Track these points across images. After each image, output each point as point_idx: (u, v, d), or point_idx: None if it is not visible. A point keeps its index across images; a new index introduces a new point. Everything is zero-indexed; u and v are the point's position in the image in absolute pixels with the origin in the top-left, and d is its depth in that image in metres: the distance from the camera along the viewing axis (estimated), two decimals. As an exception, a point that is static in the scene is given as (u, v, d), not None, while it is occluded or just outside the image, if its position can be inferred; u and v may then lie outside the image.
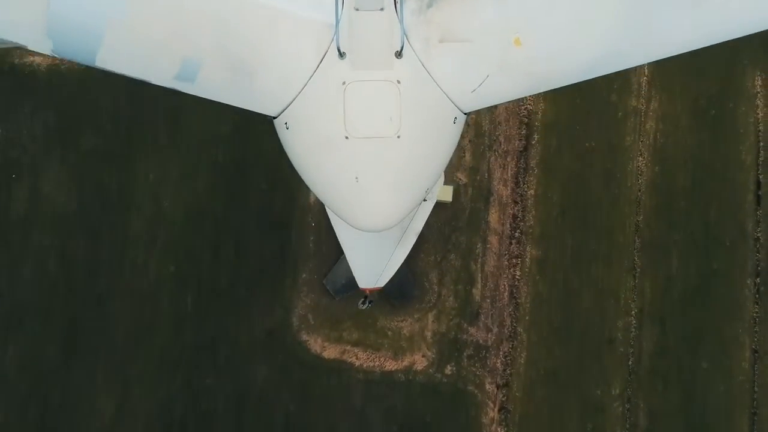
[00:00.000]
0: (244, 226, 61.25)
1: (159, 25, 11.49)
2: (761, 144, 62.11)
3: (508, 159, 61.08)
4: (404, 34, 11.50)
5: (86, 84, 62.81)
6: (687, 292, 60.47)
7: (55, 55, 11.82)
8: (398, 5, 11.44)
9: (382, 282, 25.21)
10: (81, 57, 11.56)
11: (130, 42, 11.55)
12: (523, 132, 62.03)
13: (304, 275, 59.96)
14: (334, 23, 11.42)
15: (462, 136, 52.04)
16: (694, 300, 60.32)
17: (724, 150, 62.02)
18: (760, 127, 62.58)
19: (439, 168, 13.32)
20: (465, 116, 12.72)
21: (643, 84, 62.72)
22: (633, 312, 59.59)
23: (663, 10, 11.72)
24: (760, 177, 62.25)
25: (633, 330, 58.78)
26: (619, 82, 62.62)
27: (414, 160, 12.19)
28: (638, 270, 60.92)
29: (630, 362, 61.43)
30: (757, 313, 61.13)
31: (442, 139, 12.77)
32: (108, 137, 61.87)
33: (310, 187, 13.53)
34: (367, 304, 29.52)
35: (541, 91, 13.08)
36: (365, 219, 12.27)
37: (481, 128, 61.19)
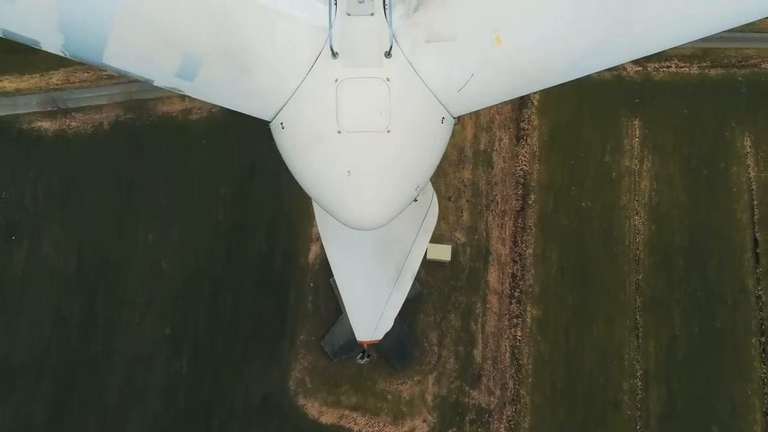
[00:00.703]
0: (242, 286, 60.54)
1: (162, 19, 11.45)
2: (755, 202, 62.43)
3: (506, 218, 61.24)
4: (393, 36, 11.82)
5: (91, 148, 63.69)
6: (692, 352, 59.06)
7: (66, 53, 11.78)
8: (387, 10, 11.75)
9: (379, 333, 24.61)
10: (89, 53, 11.57)
11: (135, 36, 11.52)
12: (520, 192, 62.52)
13: (301, 337, 58.71)
14: (328, 26, 11.72)
15: (459, 196, 52.32)
16: (700, 361, 58.84)
17: (720, 208, 62.28)
18: (753, 186, 63.12)
19: (428, 165, 13.03)
20: (454, 120, 12.94)
21: (635, 145, 63.82)
22: (638, 373, 57.95)
23: (640, 7, 11.70)
24: (757, 235, 62.16)
25: (639, 392, 56.90)
26: (611, 143, 63.79)
27: (404, 153, 12.14)
28: (641, 329, 59.80)
29: (638, 426, 59.23)
30: (765, 373, 59.44)
31: (431, 137, 12.73)
32: (109, 199, 62.07)
33: (304, 186, 13.15)
34: (365, 359, 28.74)
35: (526, 92, 13.39)
36: (358, 214, 12.00)
37: (478, 188, 61.75)
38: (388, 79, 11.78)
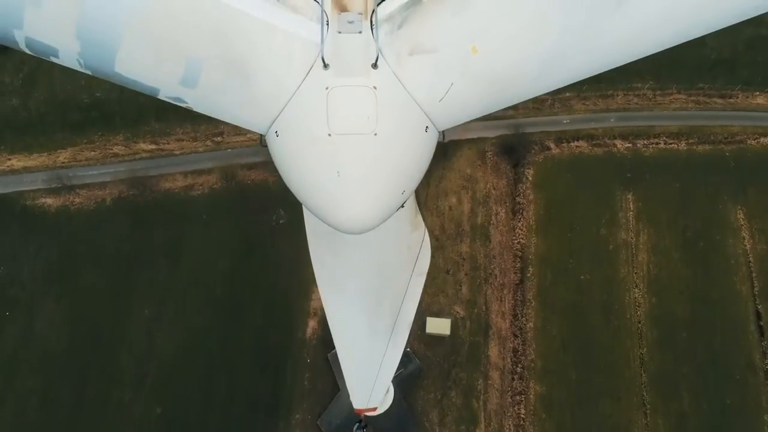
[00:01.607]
0: (237, 364, 58.36)
1: (169, 28, 12.21)
2: (754, 274, 61.82)
3: (505, 292, 60.41)
4: (379, 50, 12.70)
5: (92, 224, 63.32)
6: (703, 430, 56.68)
7: (81, 64, 12.64)
8: (374, 29, 12.73)
9: (376, 399, 23.51)
10: (102, 62, 12.49)
11: (145, 44, 12.32)
12: (518, 265, 62.07)
13: (297, 416, 55.95)
14: (320, 42, 12.58)
15: (458, 269, 52.05)
16: (713, 440, 56.24)
17: (719, 281, 61.47)
18: (750, 258, 62.75)
19: (413, 170, 13.63)
20: (438, 132, 13.65)
21: (630, 218, 64.00)
22: (649, 454, 55.18)
23: (604, 19, 12.46)
24: (759, 307, 61.17)
25: (651, 474, 53.93)
26: (606, 216, 64.02)
27: (390, 156, 12.78)
28: (648, 406, 57.18)
29: None
30: (780, 452, 56.67)
31: (415, 143, 13.41)
32: (107, 275, 61.01)
33: (297, 191, 13.54)
34: (362, 431, 27.49)
35: (502, 105, 13.99)
36: (347, 214, 12.47)
37: (476, 262, 61.40)
38: (374, 87, 12.61)
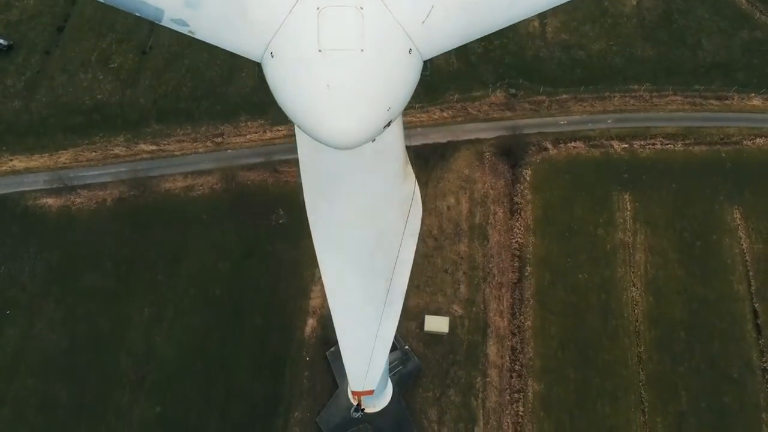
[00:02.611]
0: (237, 362, 58.09)
1: None
2: (751, 274, 61.82)
3: (503, 290, 60.37)
4: None
5: (93, 226, 63.72)
6: (701, 430, 56.27)
7: None
8: None
9: (372, 381, 23.62)
10: None
11: None
12: (516, 264, 62.04)
13: (296, 414, 55.75)
14: None
15: (456, 269, 52.11)
16: (711, 439, 55.94)
17: (716, 280, 61.38)
18: (747, 258, 62.67)
19: (398, 90, 14.58)
20: (422, 61, 14.87)
21: (628, 218, 64.03)
22: (648, 453, 54.92)
23: None
24: (756, 306, 61.12)
25: (650, 475, 53.64)
26: (604, 216, 64.04)
27: (375, 72, 13.85)
28: (647, 405, 56.98)
29: None
30: (779, 451, 56.37)
31: (399, 63, 14.53)
32: (107, 276, 60.69)
33: (290, 109, 14.26)
34: (359, 413, 27.47)
35: (484, 32, 14.99)
36: (335, 126, 13.45)
37: (475, 261, 61.39)
38: (361, 8, 13.60)
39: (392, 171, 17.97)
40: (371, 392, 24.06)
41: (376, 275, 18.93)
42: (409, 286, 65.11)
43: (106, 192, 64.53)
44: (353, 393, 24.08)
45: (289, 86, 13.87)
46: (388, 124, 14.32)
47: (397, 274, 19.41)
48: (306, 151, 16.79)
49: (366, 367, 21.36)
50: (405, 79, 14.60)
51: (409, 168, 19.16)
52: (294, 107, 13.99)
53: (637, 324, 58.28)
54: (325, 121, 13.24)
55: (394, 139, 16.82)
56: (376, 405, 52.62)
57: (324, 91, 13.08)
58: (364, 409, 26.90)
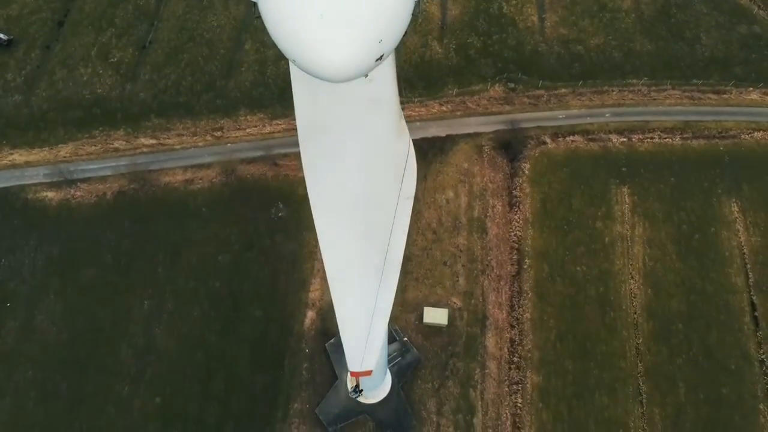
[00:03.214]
0: (236, 354, 58.14)
1: None
2: (748, 266, 61.92)
3: (502, 283, 60.42)
4: None
5: (93, 220, 63.77)
6: (700, 421, 56.02)
7: None
8: None
9: (370, 361, 23.68)
10: None
11: None
12: (515, 257, 62.08)
13: (296, 405, 55.70)
14: None
15: (455, 261, 52.42)
16: (709, 430, 55.92)
17: (714, 273, 61.31)
18: (745, 250, 62.70)
19: (390, 24, 14.82)
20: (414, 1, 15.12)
21: (626, 212, 64.08)
22: (645, 443, 55.00)
23: None
24: (754, 298, 61.30)
25: (648, 465, 53.68)
26: (602, 210, 64.04)
27: (367, 2, 14.12)
28: (644, 396, 57.16)
29: (651, 506, 55.15)
30: (777, 442, 56.41)
31: None
32: (107, 269, 60.61)
33: (284, 43, 14.53)
34: (357, 394, 27.49)
35: None
36: (329, 57, 13.74)
37: (473, 254, 61.39)
38: None
39: (386, 123, 18.08)
40: (369, 373, 24.15)
41: (372, 239, 18.98)
42: (407, 278, 64.97)
43: (106, 185, 64.59)
44: (351, 373, 24.12)
45: (283, 18, 14.19)
46: (380, 59, 14.57)
47: (394, 240, 19.41)
48: (302, 101, 16.86)
49: (364, 347, 21.41)
50: (396, 13, 14.86)
51: (404, 124, 19.23)
52: (288, 39, 14.30)
53: (635, 316, 58.36)
54: (318, 51, 13.63)
55: (388, 91, 17.03)
56: (375, 396, 52.77)
57: (317, 20, 13.45)
58: (362, 390, 26.88)
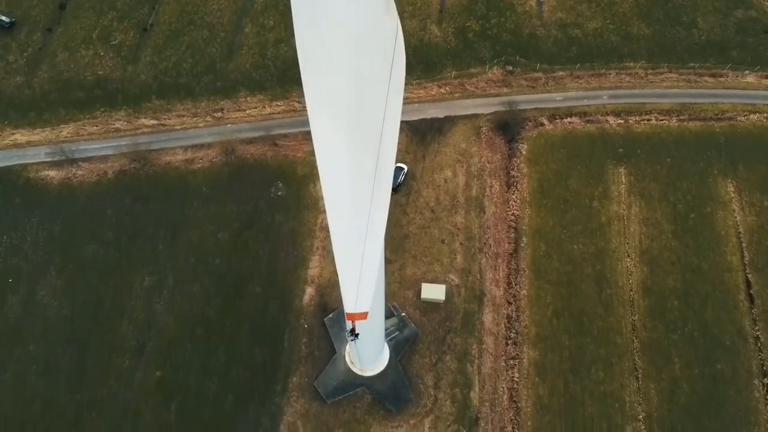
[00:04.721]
0: (236, 330, 58.71)
1: None
2: (744, 245, 62.17)
3: (499, 261, 60.58)
4: None
5: (94, 198, 63.89)
6: (695, 395, 56.22)
7: None
8: None
9: (364, 301, 23.83)
10: None
11: None
12: (512, 235, 62.22)
13: (294, 379, 55.90)
14: None
15: (453, 239, 53.00)
16: (704, 404, 55.58)
17: (709, 251, 61.46)
18: (741, 230, 63.03)
19: None
20: None
21: (622, 192, 64.20)
22: (640, 417, 55.18)
23: None
24: (749, 276, 61.60)
25: (643, 437, 53.92)
26: (599, 189, 64.16)
27: None
28: (640, 372, 57.49)
29: (646, 478, 55.39)
30: (771, 415, 56.59)
31: None
32: (108, 246, 60.81)
33: None
34: (353, 337, 27.63)
35: None
36: None
37: (471, 232, 61.56)
38: None
39: None
40: (365, 316, 24.30)
41: (364, 135, 18.98)
42: (405, 255, 64.84)
43: (108, 164, 64.77)
44: (347, 316, 24.33)
45: None
46: None
47: (385, 143, 19.42)
48: None
49: (358, 277, 21.59)
50: None
51: (392, 2, 19.28)
52: None
53: (631, 293, 58.53)
54: None
55: None
56: (373, 369, 52.97)
57: None
58: (358, 333, 27.07)
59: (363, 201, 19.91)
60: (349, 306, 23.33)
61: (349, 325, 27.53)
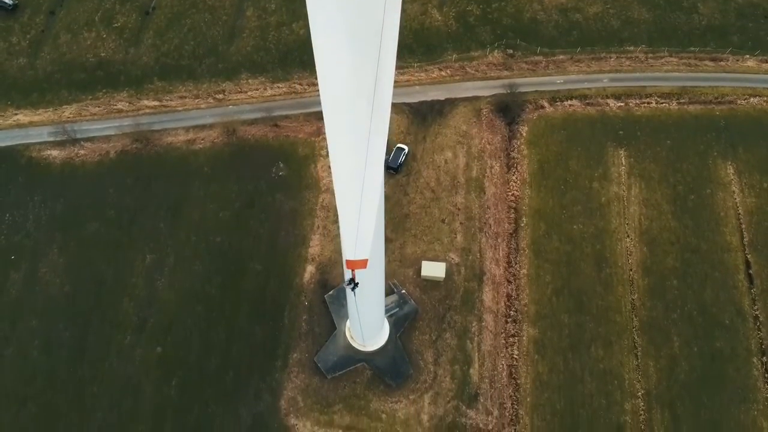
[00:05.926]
0: (237, 307, 58.27)
1: None
2: (743, 226, 61.94)
3: (499, 240, 60.47)
4: None
5: (97, 177, 63.82)
6: (693, 373, 55.96)
7: None
8: None
9: (363, 248, 23.73)
10: None
11: None
12: (512, 216, 62.02)
13: (295, 355, 55.89)
14: None
15: (453, 219, 53.08)
16: (703, 382, 55.33)
17: (709, 232, 61.23)
18: (740, 211, 62.86)
19: None
20: None
21: (622, 173, 64.01)
22: (639, 393, 54.98)
23: None
24: (749, 257, 61.47)
25: (642, 413, 53.84)
26: (599, 171, 64.00)
27: None
28: (639, 350, 57.31)
29: (644, 451, 55.28)
30: (769, 393, 56.53)
31: None
32: (110, 225, 60.48)
33: None
34: (351, 285, 27.58)
35: None
36: None
37: (471, 212, 61.37)
38: None
39: None
40: (365, 264, 24.22)
41: (363, 41, 18.64)
42: (406, 235, 64.89)
43: (110, 144, 64.77)
44: (347, 263, 24.23)
45: None
46: None
47: (384, 56, 19.13)
48: None
49: (357, 219, 21.49)
50: None
51: None
52: None
53: (630, 272, 58.45)
54: None
55: None
56: (373, 344, 52.95)
57: None
58: (357, 283, 26.98)
59: (362, 124, 19.80)
60: (349, 252, 23.26)
61: (348, 274, 27.45)
